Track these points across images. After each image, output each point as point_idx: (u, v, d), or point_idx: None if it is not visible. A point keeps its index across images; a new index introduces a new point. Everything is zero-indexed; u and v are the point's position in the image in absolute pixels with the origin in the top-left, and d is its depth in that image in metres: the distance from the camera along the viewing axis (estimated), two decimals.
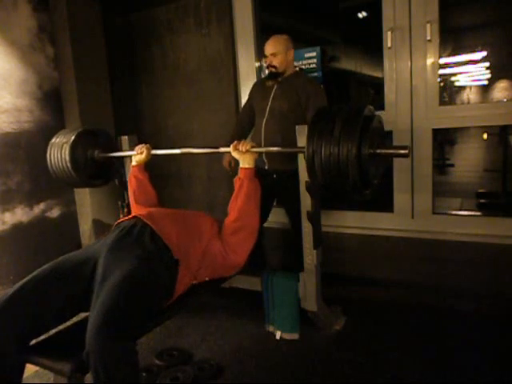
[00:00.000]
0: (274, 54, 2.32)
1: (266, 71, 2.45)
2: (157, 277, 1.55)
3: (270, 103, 2.37)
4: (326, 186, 1.63)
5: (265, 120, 2.36)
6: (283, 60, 2.33)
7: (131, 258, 1.51)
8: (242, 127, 2.61)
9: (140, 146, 2.16)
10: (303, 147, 1.63)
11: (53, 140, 2.23)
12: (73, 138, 2.16)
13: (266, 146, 2.30)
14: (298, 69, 2.49)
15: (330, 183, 1.57)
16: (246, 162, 1.86)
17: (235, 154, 1.89)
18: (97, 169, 2.30)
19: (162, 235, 1.65)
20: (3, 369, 1.37)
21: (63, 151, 2.15)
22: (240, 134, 2.54)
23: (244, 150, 1.85)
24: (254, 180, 1.86)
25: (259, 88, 2.50)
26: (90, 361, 1.23)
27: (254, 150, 1.87)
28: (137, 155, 2.14)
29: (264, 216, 2.43)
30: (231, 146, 1.89)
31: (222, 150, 1.99)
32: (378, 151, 1.54)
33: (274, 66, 2.34)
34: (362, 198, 1.62)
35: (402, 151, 1.55)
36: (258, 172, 1.96)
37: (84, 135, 2.23)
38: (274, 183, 2.37)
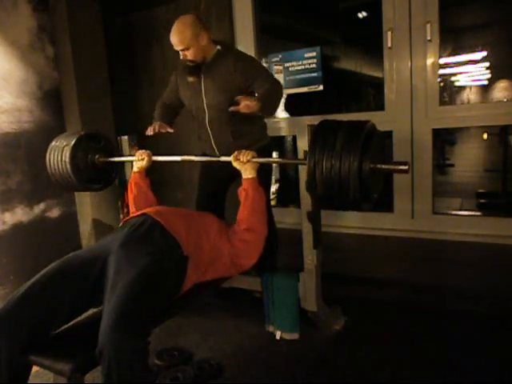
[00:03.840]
0: (185, 49, 1.97)
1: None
2: (167, 275, 1.58)
3: (204, 100, 2.11)
4: (325, 198, 1.64)
5: (207, 119, 2.15)
6: (198, 50, 1.99)
7: (143, 256, 1.52)
8: (172, 109, 2.35)
9: (141, 151, 2.14)
10: (304, 159, 1.65)
11: (53, 143, 2.22)
12: (74, 141, 2.15)
13: (216, 145, 2.20)
14: (218, 47, 2.08)
15: (330, 196, 1.58)
16: (248, 172, 1.88)
17: (236, 165, 1.89)
18: (97, 173, 2.28)
19: (171, 231, 1.67)
20: (12, 369, 1.38)
21: (64, 154, 2.14)
22: (170, 116, 2.35)
23: (245, 160, 1.85)
24: (258, 189, 1.88)
25: (184, 81, 2.15)
26: (104, 358, 1.25)
27: (255, 160, 1.88)
28: (138, 161, 2.12)
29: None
30: (232, 156, 1.89)
31: (223, 159, 1.98)
32: (379, 166, 1.55)
33: (191, 61, 2.02)
34: (361, 211, 1.64)
35: (402, 167, 1.57)
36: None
37: (85, 139, 2.21)
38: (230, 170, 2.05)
